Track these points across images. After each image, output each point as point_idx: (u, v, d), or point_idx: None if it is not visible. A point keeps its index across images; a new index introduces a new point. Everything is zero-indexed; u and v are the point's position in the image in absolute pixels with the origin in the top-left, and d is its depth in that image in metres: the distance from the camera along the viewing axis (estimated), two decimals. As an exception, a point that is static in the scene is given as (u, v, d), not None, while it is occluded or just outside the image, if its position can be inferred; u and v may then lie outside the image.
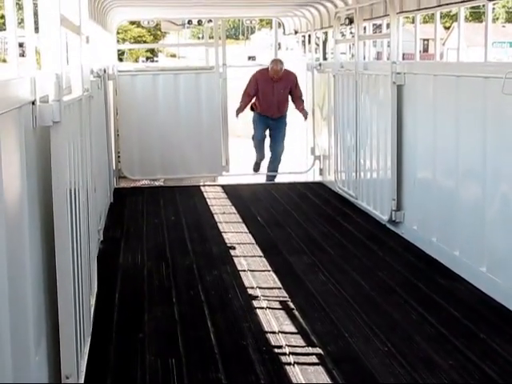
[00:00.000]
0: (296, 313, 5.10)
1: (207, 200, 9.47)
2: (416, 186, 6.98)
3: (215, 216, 8.43)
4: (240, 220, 8.17)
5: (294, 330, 4.77)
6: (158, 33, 45.18)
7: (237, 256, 6.62)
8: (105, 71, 8.40)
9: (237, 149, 12.59)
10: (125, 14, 11.09)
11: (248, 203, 9.20)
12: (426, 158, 6.69)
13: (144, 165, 10.62)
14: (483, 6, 5.94)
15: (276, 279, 5.88)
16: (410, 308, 5.17)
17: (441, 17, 7.94)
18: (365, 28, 8.94)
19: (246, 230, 7.66)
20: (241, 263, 6.37)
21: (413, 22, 7.73)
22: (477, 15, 47.45)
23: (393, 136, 7.28)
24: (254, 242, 7.15)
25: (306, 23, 11.32)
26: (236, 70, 12.90)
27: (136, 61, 46.12)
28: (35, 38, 3.25)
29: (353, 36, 8.78)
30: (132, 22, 39.59)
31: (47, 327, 3.33)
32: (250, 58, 41.04)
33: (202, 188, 10.44)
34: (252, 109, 10.95)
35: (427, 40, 38.44)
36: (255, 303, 5.31)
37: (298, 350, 4.44)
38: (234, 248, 6.91)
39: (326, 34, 10.76)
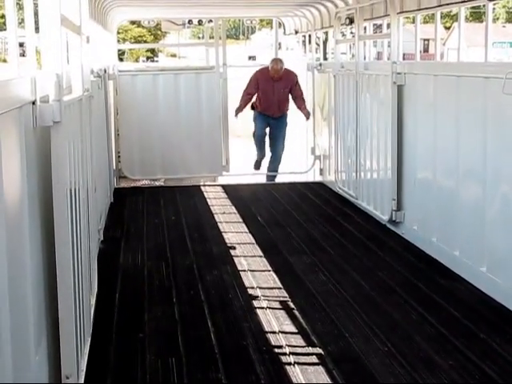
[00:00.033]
0: (296, 313, 5.10)
1: (207, 200, 9.47)
2: (416, 186, 6.98)
3: (215, 216, 8.43)
4: (240, 220, 8.17)
5: (294, 329, 4.77)
6: (159, 33, 45.21)
7: (237, 256, 6.62)
8: (105, 71, 8.40)
9: (237, 149, 12.60)
10: (125, 13, 11.09)
11: (248, 203, 9.20)
12: (427, 158, 6.69)
13: (144, 165, 10.63)
14: (483, 6, 5.94)
15: (276, 279, 5.88)
16: (410, 308, 5.17)
17: (441, 17, 7.94)
18: (365, 28, 8.94)
19: (247, 230, 7.66)
20: (241, 263, 6.37)
21: (413, 22, 7.73)
22: (477, 15, 47.45)
23: (393, 136, 7.28)
24: (254, 241, 7.15)
25: (306, 23, 11.32)
26: (236, 69, 12.89)
27: (136, 61, 46.15)
28: (35, 38, 3.25)
29: (353, 36, 8.79)
30: (132, 22, 39.59)
31: (47, 327, 3.33)
32: (250, 57, 41.07)
33: (202, 188, 10.44)
34: (253, 108, 10.95)
35: (427, 40, 38.45)
36: (255, 303, 5.31)
37: (299, 350, 4.44)
38: (235, 248, 6.91)
39: (326, 33, 10.76)
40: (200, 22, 13.06)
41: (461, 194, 5.94)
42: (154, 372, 4.15)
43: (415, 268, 6.20)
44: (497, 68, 5.48)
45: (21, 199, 2.83)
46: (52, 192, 3.22)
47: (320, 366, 4.20)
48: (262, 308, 5.19)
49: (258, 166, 11.16)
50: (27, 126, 2.99)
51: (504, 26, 50.31)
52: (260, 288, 5.65)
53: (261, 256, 6.61)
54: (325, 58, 11.03)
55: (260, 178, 11.23)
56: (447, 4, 6.62)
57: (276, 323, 4.87)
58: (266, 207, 8.93)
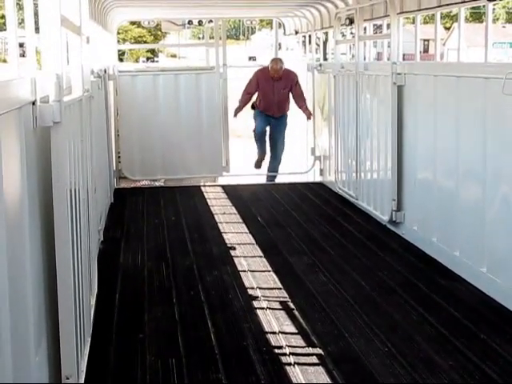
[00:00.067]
0: (296, 313, 5.10)
1: (207, 200, 9.47)
2: (416, 186, 6.98)
3: (215, 216, 8.43)
4: (240, 220, 8.17)
5: (294, 330, 4.77)
6: (159, 33, 45.19)
7: (237, 256, 6.62)
8: (105, 71, 8.40)
9: (237, 149, 12.59)
10: (125, 14, 11.09)
11: (248, 203, 9.20)
12: (427, 158, 6.69)
13: (144, 165, 10.62)
14: (483, 6, 5.94)
15: (276, 279, 5.88)
16: (410, 308, 5.17)
17: (441, 17, 7.94)
18: (365, 28, 8.94)
19: (247, 231, 7.66)
20: (241, 263, 6.37)
21: (413, 22, 7.73)
22: (477, 16, 47.45)
23: (393, 136, 7.28)
24: (254, 242, 7.15)
25: (306, 23, 11.32)
26: (236, 70, 12.90)
27: (136, 61, 46.13)
28: (36, 39, 3.25)
29: (353, 36, 8.79)
30: (132, 23, 39.60)
31: (47, 327, 3.33)
32: (250, 58, 41.07)
33: (202, 188, 10.44)
34: (253, 107, 10.96)
35: (427, 40, 38.45)
36: (255, 303, 5.31)
37: (299, 351, 4.44)
38: (235, 248, 6.91)
39: (326, 34, 10.77)
40: (200, 23, 13.06)
41: (461, 194, 5.94)
42: (154, 372, 4.15)
43: (415, 268, 6.20)
44: (497, 68, 5.48)
45: (21, 199, 2.83)
46: (52, 192, 3.22)
47: (320, 367, 4.20)
48: (262, 308, 5.19)
49: (258, 165, 11.13)
50: (27, 127, 2.98)
51: (504, 27, 50.31)
52: (260, 288, 5.65)
53: (261, 256, 6.61)
54: (325, 59, 11.03)
55: (260, 178, 11.23)
56: (447, 4, 6.62)
57: (276, 324, 4.87)
58: (266, 207, 8.94)
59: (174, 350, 4.45)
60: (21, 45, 3.00)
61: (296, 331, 4.75)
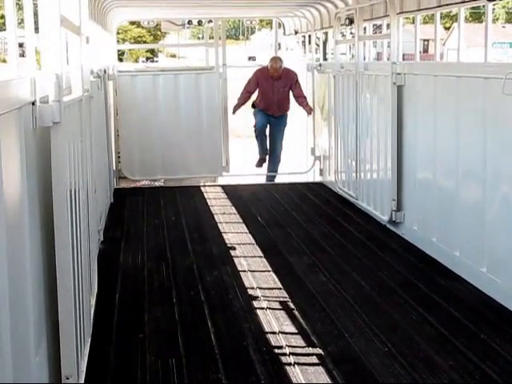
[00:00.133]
0: (296, 313, 5.10)
1: (207, 200, 9.47)
2: (416, 186, 6.98)
3: (215, 216, 8.43)
4: (240, 220, 8.17)
5: (294, 330, 4.77)
6: (158, 33, 45.18)
7: (237, 256, 6.62)
8: (105, 71, 8.40)
9: (237, 149, 12.59)
10: (125, 14, 11.09)
11: (248, 203, 9.20)
12: (427, 158, 6.68)
13: (144, 165, 10.62)
14: (483, 6, 5.94)
15: (276, 279, 5.88)
16: (410, 308, 5.17)
17: (441, 17, 7.94)
18: (365, 28, 8.94)
19: (246, 231, 7.66)
20: (241, 263, 6.37)
21: (413, 22, 7.73)
22: (477, 16, 47.45)
23: (393, 136, 7.28)
24: (254, 242, 7.15)
25: (306, 23, 11.32)
26: (236, 70, 12.90)
27: (136, 61, 46.13)
28: (35, 39, 3.25)
29: (353, 36, 8.79)
30: (132, 23, 39.60)
31: (47, 327, 3.33)
32: (250, 58, 41.08)
33: (202, 188, 10.44)
34: (253, 106, 10.95)
35: (427, 40, 38.45)
36: (255, 304, 5.31)
37: (299, 351, 4.44)
38: (235, 248, 6.91)
39: (326, 34, 10.76)
40: (200, 23, 13.06)
41: (461, 194, 5.94)
42: (154, 373, 4.15)
43: (415, 268, 6.20)
44: (496, 68, 5.48)
45: (21, 200, 2.83)
46: (52, 193, 3.22)
47: (320, 367, 4.20)
48: (262, 308, 5.19)
49: (260, 164, 11.11)
50: (27, 127, 2.98)
51: (504, 27, 50.32)
52: (260, 288, 5.65)
53: (261, 256, 6.61)
54: (324, 59, 11.03)
55: (260, 178, 11.22)
56: (447, 4, 6.62)
57: (276, 324, 4.87)
58: (266, 207, 8.94)
59: (174, 350, 4.45)
60: (20, 45, 3.00)
61: (296, 331, 4.75)
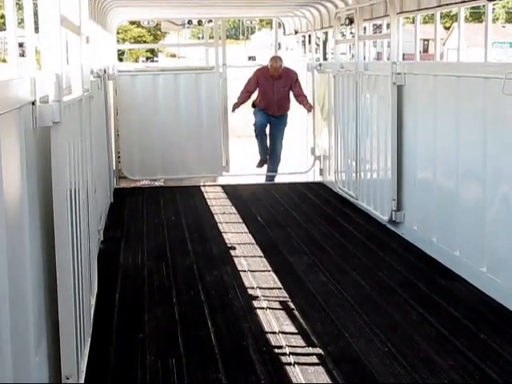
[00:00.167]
0: (296, 313, 5.10)
1: (207, 200, 9.47)
2: (416, 186, 6.98)
3: (215, 216, 8.43)
4: (240, 220, 8.17)
5: (294, 330, 4.77)
6: (158, 33, 45.19)
7: (237, 256, 6.62)
8: (105, 71, 8.40)
9: (237, 149, 12.59)
10: (125, 14, 11.09)
11: (248, 203, 9.20)
12: (426, 158, 6.68)
13: (144, 165, 10.62)
14: (483, 6, 5.94)
15: (276, 279, 5.88)
16: (410, 308, 5.17)
17: (441, 17, 7.94)
18: (365, 28, 8.94)
19: (246, 230, 7.66)
20: (241, 263, 6.37)
21: (413, 22, 7.73)
22: (477, 15, 47.46)
23: (393, 136, 7.28)
24: (254, 242, 7.15)
25: (306, 23, 11.32)
26: (236, 70, 12.90)
27: (136, 61, 46.14)
28: (35, 38, 3.25)
29: (353, 36, 8.79)
30: (132, 22, 39.60)
31: (47, 327, 3.32)
32: (250, 58, 41.08)
33: (202, 188, 10.44)
34: (253, 106, 10.95)
35: (427, 40, 38.46)
36: (255, 303, 5.31)
37: (299, 351, 4.44)
38: (235, 248, 6.91)
39: (326, 34, 10.76)
40: (200, 22, 13.07)
41: (461, 194, 5.94)
42: (154, 372, 4.15)
43: (415, 268, 6.20)
44: (496, 68, 5.48)
45: (21, 200, 2.83)
46: (52, 192, 3.22)
47: (320, 366, 4.20)
48: (262, 308, 5.19)
49: (261, 165, 11.10)
50: (27, 127, 2.98)
51: (504, 27, 50.32)
52: (260, 288, 5.65)
53: (261, 256, 6.61)
54: (324, 59, 11.03)
55: (260, 178, 11.22)
56: (447, 4, 6.62)
57: (276, 323, 4.87)
58: (265, 207, 8.93)
59: (173, 349, 4.45)
60: (20, 44, 3.00)
61: (296, 331, 4.75)
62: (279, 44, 12.91)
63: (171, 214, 8.53)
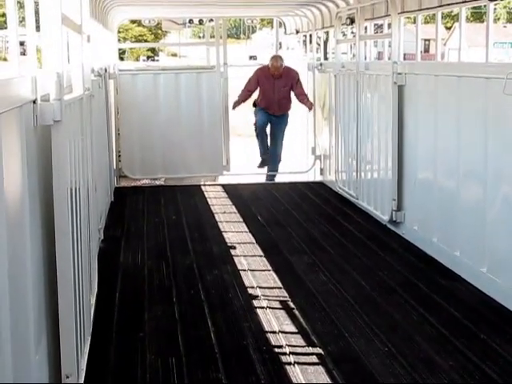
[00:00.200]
0: (296, 313, 5.10)
1: (208, 199, 9.47)
2: (417, 186, 6.97)
3: (216, 215, 8.43)
4: (240, 219, 8.17)
5: (294, 329, 4.77)
6: (159, 32, 45.24)
7: (237, 255, 6.62)
8: (106, 70, 8.40)
9: (238, 148, 12.59)
10: (126, 12, 11.09)
11: (248, 203, 9.20)
12: (427, 158, 6.68)
13: (145, 164, 10.63)
14: (484, 6, 5.94)
15: (276, 279, 5.88)
16: (410, 308, 5.17)
17: (442, 17, 7.94)
18: (366, 28, 8.94)
19: (247, 230, 7.66)
20: (241, 263, 6.37)
21: (414, 22, 7.73)
22: (478, 15, 47.44)
23: (394, 136, 7.28)
24: (254, 241, 7.15)
25: (307, 23, 11.31)
26: (237, 69, 12.90)
27: (137, 60, 46.15)
28: (36, 37, 3.25)
29: (354, 36, 8.79)
30: (133, 21, 39.58)
31: (47, 326, 3.32)
32: (251, 57, 41.11)
33: (202, 187, 10.44)
34: (254, 105, 10.95)
35: (428, 40, 38.45)
36: (255, 303, 5.31)
37: (299, 350, 4.44)
38: (235, 247, 6.91)
39: (327, 33, 10.77)
40: (201, 22, 13.07)
41: (461, 194, 5.94)
42: (154, 371, 4.15)
43: (415, 268, 6.20)
44: (498, 68, 5.48)
45: (21, 198, 2.83)
46: (52, 191, 3.22)
47: (320, 366, 4.20)
48: (262, 308, 5.19)
49: (262, 165, 11.10)
50: (28, 125, 2.98)
51: (505, 27, 50.30)
52: (260, 288, 5.65)
53: (261, 256, 6.61)
54: (325, 58, 11.03)
55: (260, 177, 11.22)
56: (448, 4, 6.62)
57: (276, 323, 4.87)
58: (266, 207, 8.93)
59: (174, 348, 4.45)
60: (21, 43, 3.00)
61: (296, 331, 4.75)
62: (280, 43, 12.92)
63: (171, 213, 8.53)
